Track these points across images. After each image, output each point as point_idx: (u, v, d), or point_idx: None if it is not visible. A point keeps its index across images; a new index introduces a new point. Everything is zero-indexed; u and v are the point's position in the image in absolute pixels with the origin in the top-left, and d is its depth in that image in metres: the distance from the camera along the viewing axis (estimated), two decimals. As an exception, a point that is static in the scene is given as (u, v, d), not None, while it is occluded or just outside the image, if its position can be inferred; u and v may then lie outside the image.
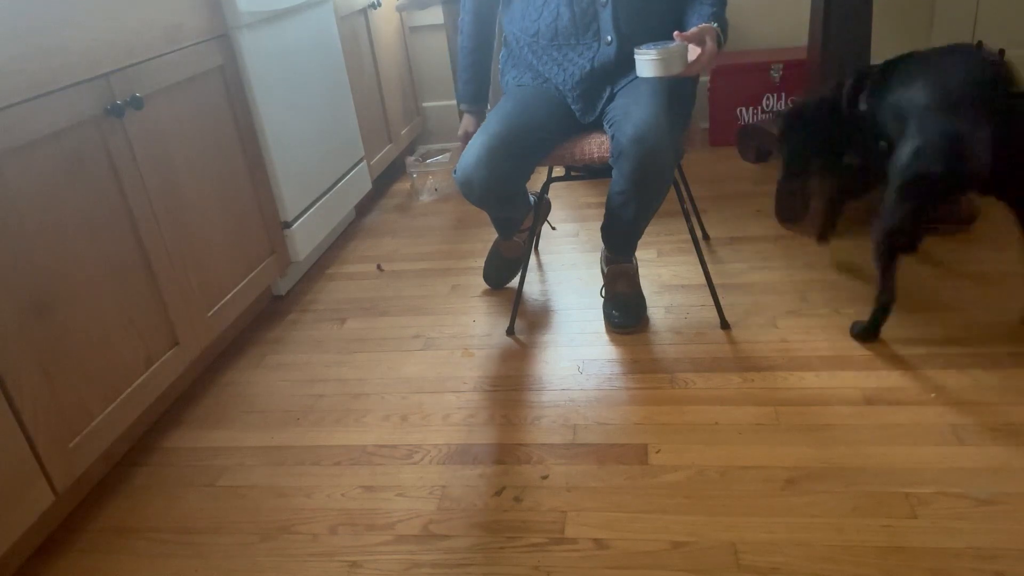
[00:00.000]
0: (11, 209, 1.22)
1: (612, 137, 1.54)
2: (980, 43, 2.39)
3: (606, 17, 1.60)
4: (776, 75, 2.83)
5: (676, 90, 1.61)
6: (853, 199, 1.92)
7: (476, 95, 1.84)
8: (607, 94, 1.66)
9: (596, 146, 1.66)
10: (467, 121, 1.86)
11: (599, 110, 1.67)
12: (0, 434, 1.18)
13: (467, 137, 1.82)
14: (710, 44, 1.47)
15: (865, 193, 1.86)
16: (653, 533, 1.22)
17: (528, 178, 1.68)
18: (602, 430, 1.47)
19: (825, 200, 1.96)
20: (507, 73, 1.82)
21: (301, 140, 2.14)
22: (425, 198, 2.81)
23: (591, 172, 1.83)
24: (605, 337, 1.79)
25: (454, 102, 3.35)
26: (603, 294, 1.88)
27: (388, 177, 3.10)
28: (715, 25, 1.51)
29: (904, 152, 1.44)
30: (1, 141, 1.20)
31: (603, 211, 2.45)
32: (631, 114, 1.50)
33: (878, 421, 1.40)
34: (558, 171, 1.85)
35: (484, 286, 2.10)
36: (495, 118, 1.63)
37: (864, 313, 1.74)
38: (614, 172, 1.55)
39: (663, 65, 1.46)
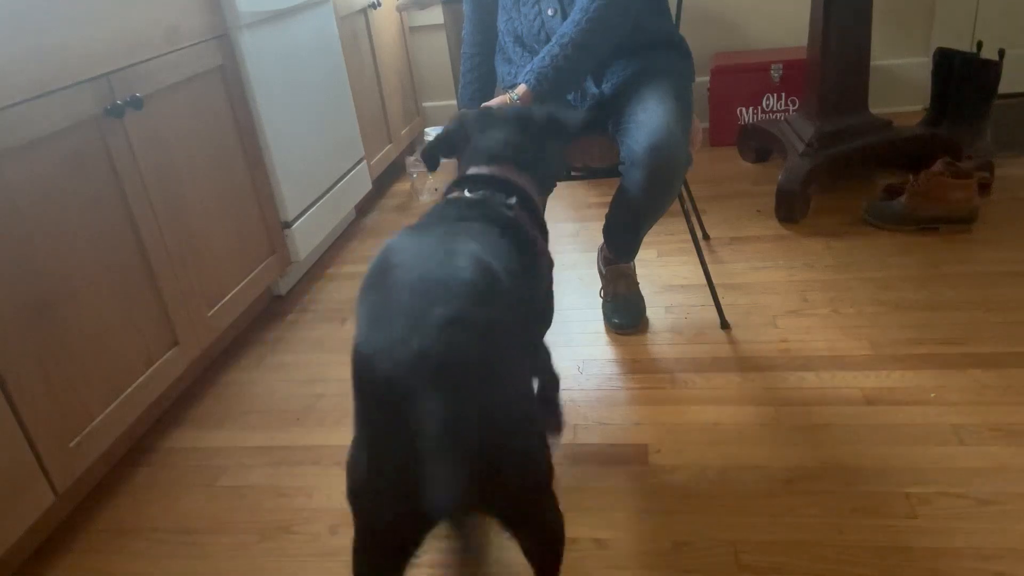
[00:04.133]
0: (11, 209, 1.22)
1: (623, 144, 1.53)
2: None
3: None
4: (776, 75, 2.83)
5: (679, 95, 1.60)
6: None
7: (479, 97, 1.79)
8: (596, 88, 1.65)
9: (597, 148, 1.66)
10: None
11: (590, 99, 1.66)
12: (0, 434, 1.18)
13: None
14: None
15: None
16: (653, 533, 1.22)
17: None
18: (602, 430, 1.47)
19: None
20: (500, 68, 1.82)
21: (301, 140, 2.14)
22: (425, 198, 2.81)
23: (591, 172, 1.83)
24: (605, 337, 1.79)
25: (454, 102, 3.35)
26: (602, 295, 1.88)
27: (388, 177, 3.10)
28: (525, 86, 1.50)
29: None
30: (1, 141, 1.20)
31: (603, 211, 2.45)
32: (643, 123, 1.49)
33: (878, 421, 1.40)
34: (558, 171, 1.84)
35: (484, 286, 2.10)
36: None
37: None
38: (624, 179, 1.54)
39: None
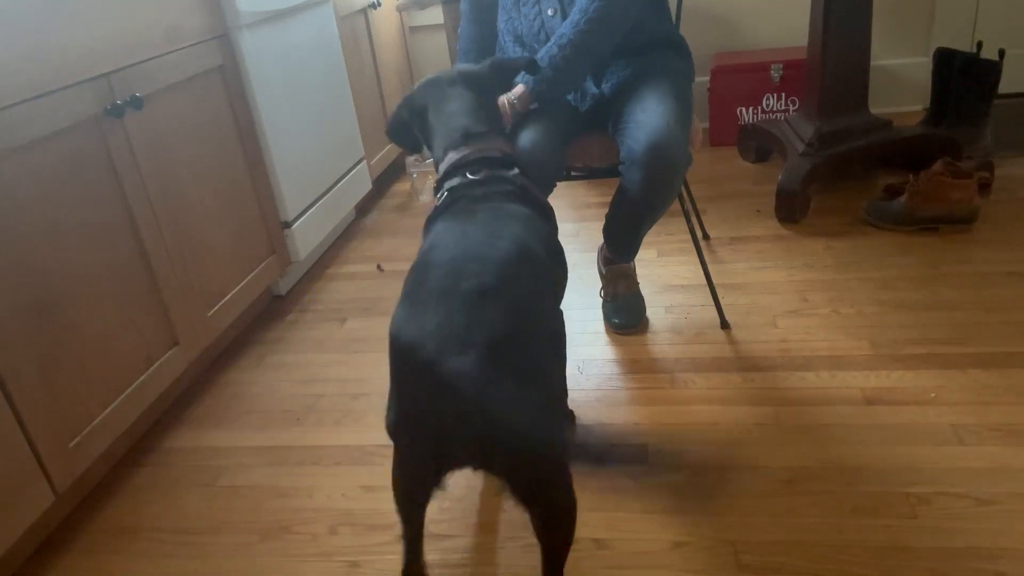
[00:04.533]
0: (11, 209, 1.22)
1: (623, 143, 1.53)
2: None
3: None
4: (776, 75, 2.83)
5: (678, 94, 1.60)
6: None
7: None
8: (596, 88, 1.65)
9: (597, 147, 1.66)
10: None
11: (590, 98, 1.66)
12: (0, 434, 1.18)
13: None
14: None
15: None
16: (653, 533, 1.22)
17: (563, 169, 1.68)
18: (602, 430, 1.47)
19: None
20: None
21: (301, 140, 2.14)
22: (425, 198, 2.81)
23: (591, 172, 1.83)
24: (605, 337, 1.79)
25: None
26: (602, 295, 1.88)
27: (388, 177, 3.10)
28: (523, 86, 1.51)
29: None
30: (1, 141, 1.20)
31: (603, 211, 2.45)
32: (642, 123, 1.49)
33: (878, 421, 1.40)
34: (558, 171, 1.84)
35: (484, 286, 2.10)
36: (527, 115, 1.61)
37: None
38: (624, 179, 1.54)
39: None
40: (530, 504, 0.92)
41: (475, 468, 0.89)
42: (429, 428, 0.83)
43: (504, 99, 1.54)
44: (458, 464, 0.89)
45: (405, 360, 0.87)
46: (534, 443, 0.85)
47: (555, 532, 0.96)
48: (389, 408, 0.92)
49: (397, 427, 0.91)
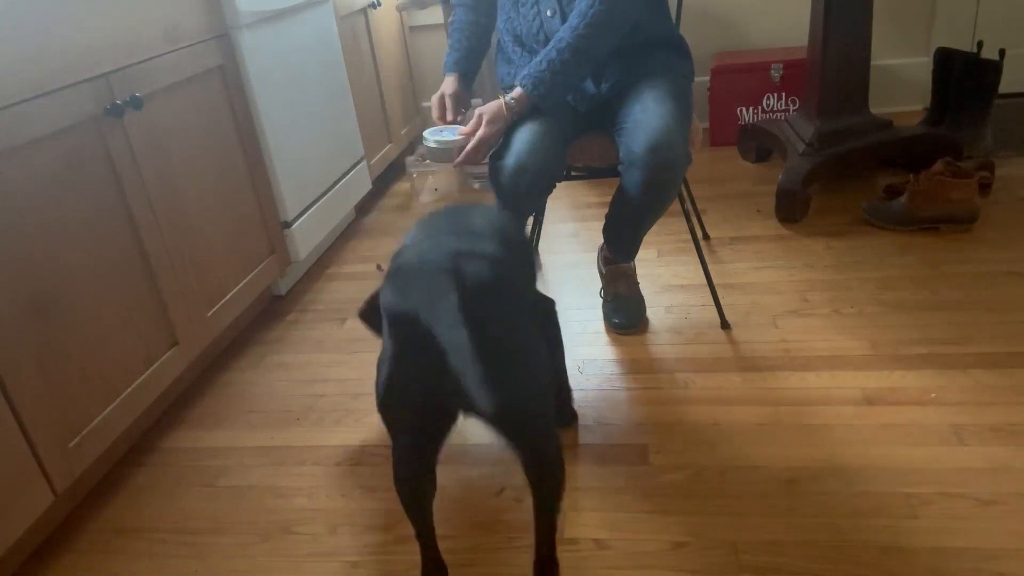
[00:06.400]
0: (11, 208, 1.22)
1: (622, 144, 1.53)
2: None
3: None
4: (776, 75, 2.83)
5: (678, 94, 1.60)
6: None
7: (466, 66, 1.73)
8: (596, 88, 1.65)
9: (597, 146, 1.66)
10: (447, 83, 1.69)
11: (589, 99, 1.66)
12: (0, 434, 1.18)
13: (442, 100, 1.66)
14: (482, 132, 1.52)
15: None
16: (653, 533, 1.22)
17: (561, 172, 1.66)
18: (602, 430, 1.47)
19: None
20: (500, 68, 1.81)
21: (301, 140, 2.14)
22: (425, 198, 2.81)
23: (592, 172, 1.83)
24: (605, 337, 1.79)
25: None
26: (602, 295, 1.88)
27: (388, 177, 3.10)
28: (522, 89, 1.51)
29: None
30: (1, 141, 1.20)
31: (603, 211, 2.45)
32: (641, 123, 1.48)
33: (878, 421, 1.40)
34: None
35: (484, 286, 2.10)
36: (526, 115, 1.60)
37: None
38: (623, 180, 1.54)
39: (433, 155, 1.62)
40: (516, 444, 0.96)
41: (462, 412, 0.93)
42: (411, 381, 0.88)
43: (502, 100, 1.54)
44: (443, 409, 0.92)
45: (389, 321, 0.92)
46: (518, 387, 0.89)
47: (543, 474, 1.00)
48: (380, 375, 0.96)
49: (387, 389, 0.95)
